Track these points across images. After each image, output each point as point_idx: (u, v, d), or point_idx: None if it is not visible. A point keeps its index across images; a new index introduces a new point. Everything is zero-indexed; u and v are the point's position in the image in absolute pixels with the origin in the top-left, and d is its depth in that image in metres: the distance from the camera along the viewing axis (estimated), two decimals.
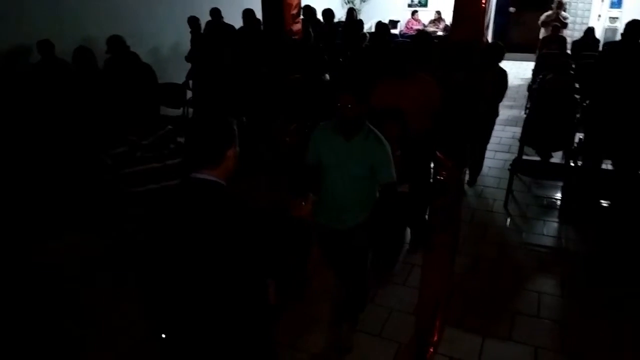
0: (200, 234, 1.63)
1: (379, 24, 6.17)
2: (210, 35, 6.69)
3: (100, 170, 2.62)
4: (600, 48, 8.10)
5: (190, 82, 6.66)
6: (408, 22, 12.20)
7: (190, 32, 6.84)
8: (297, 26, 3.35)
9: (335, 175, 2.68)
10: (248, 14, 6.50)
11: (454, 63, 2.59)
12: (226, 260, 1.62)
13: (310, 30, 5.56)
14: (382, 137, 2.65)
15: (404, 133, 3.14)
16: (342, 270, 3.00)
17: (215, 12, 6.99)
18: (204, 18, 7.04)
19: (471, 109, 2.84)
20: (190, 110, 6.68)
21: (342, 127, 2.59)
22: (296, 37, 3.35)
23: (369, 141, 2.61)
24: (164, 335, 1.77)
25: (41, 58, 5.07)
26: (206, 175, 1.70)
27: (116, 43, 5.04)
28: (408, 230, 4.14)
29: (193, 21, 6.78)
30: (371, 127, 2.66)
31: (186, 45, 7.12)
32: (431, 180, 4.03)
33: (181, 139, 2.64)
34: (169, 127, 2.70)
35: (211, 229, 1.63)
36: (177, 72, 6.94)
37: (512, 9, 11.68)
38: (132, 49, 5.32)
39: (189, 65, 6.78)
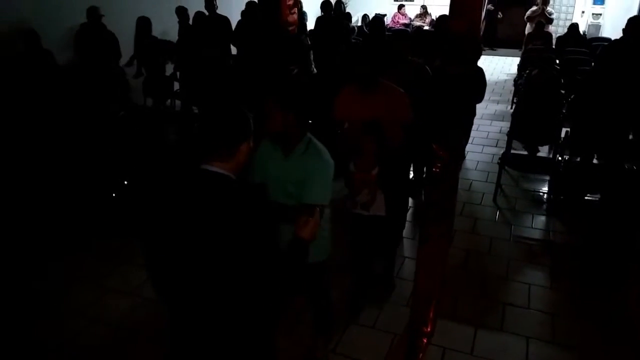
0: (209, 230, 1.56)
1: (375, 18, 6.12)
2: (200, 26, 6.60)
3: None
4: (592, 46, 8.19)
5: (178, 73, 6.59)
6: (394, 16, 12.23)
7: (178, 22, 6.75)
8: (293, 17, 3.34)
9: (275, 197, 2.33)
10: (250, 5, 6.46)
11: (450, 56, 2.59)
12: (232, 257, 1.55)
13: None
14: (325, 151, 2.32)
15: (381, 148, 2.93)
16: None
17: (209, 3, 6.88)
18: (194, 8, 6.93)
19: (466, 101, 2.85)
20: (178, 102, 6.62)
21: (274, 140, 2.31)
22: (292, 28, 3.35)
23: (306, 155, 2.28)
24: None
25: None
26: (217, 169, 1.61)
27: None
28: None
29: (181, 12, 6.69)
30: (313, 139, 2.32)
31: (173, 36, 7.03)
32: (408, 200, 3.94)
33: None
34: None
35: (221, 225, 1.55)
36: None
37: (499, 15, 11.69)
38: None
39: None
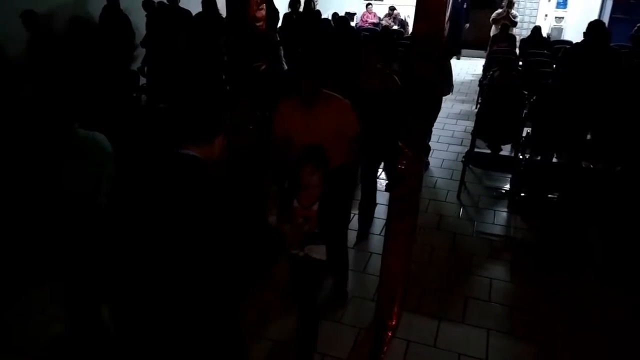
0: (181, 210, 1.65)
1: (340, 19, 6.15)
2: (164, 19, 6.50)
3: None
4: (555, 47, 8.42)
5: (146, 68, 6.49)
6: (363, 15, 12.30)
7: (146, 16, 6.64)
8: (261, 13, 3.34)
9: None
10: None
11: (416, 57, 2.64)
12: (201, 237, 1.65)
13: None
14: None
15: (325, 178, 2.53)
16: None
17: None
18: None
19: (432, 101, 2.90)
20: (144, 97, 6.51)
21: None
22: (260, 24, 3.35)
23: None
24: None
25: None
26: (193, 152, 1.74)
27: None
28: None
29: (148, 5, 6.58)
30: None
31: (143, 31, 6.89)
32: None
33: None
34: None
35: (193, 205, 1.65)
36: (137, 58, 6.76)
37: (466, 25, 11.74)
38: None
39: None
